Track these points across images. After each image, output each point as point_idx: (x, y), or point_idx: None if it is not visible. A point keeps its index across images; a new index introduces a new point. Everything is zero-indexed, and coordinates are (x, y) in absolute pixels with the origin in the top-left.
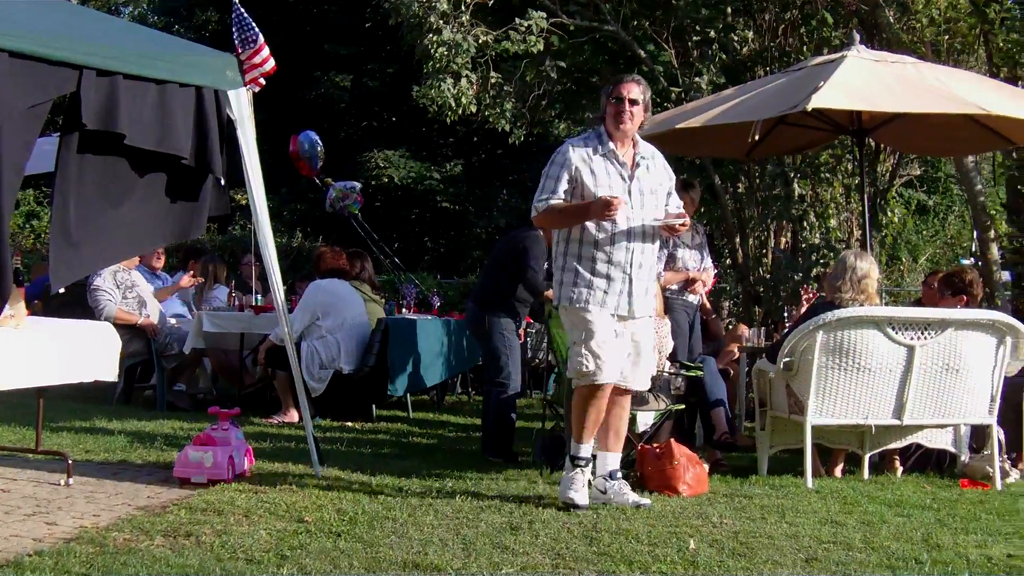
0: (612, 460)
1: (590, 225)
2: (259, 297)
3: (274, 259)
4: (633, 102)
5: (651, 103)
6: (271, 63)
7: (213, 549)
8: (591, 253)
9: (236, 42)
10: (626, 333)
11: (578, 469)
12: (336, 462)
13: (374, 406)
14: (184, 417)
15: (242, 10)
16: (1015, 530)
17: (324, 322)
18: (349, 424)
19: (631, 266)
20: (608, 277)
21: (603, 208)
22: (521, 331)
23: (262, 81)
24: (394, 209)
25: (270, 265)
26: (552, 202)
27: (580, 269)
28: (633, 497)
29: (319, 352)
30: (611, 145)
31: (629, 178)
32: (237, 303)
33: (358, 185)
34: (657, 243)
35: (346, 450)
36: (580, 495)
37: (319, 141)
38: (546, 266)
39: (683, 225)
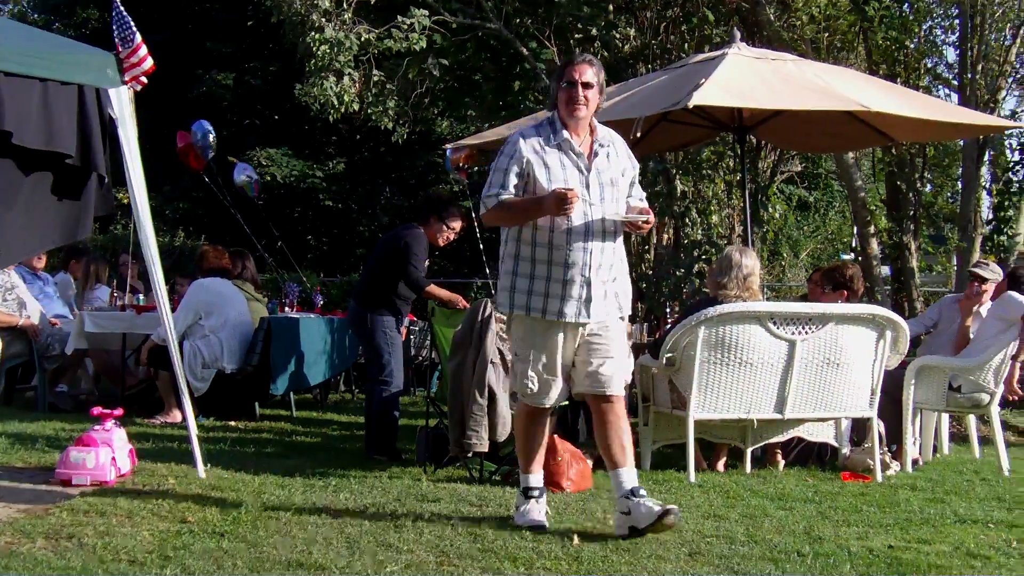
0: (627, 476)
1: (542, 223)
2: (141, 297)
3: (156, 258)
4: (587, 85)
5: (605, 84)
6: (149, 62)
7: (96, 551)
8: (545, 255)
9: (116, 40)
10: (590, 339)
11: (531, 500)
12: (220, 462)
13: (257, 405)
14: (66, 418)
15: (121, 8)
16: (895, 521)
17: (207, 321)
18: (232, 423)
19: (589, 268)
20: (564, 282)
21: (558, 202)
22: (403, 329)
23: (143, 79)
24: (277, 207)
25: (152, 264)
26: (503, 198)
27: (533, 274)
28: (657, 506)
29: (202, 351)
30: (565, 134)
31: (587, 169)
32: (119, 303)
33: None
34: (619, 240)
35: (230, 450)
36: (539, 515)
37: (212, 130)
38: (427, 263)
39: (647, 223)
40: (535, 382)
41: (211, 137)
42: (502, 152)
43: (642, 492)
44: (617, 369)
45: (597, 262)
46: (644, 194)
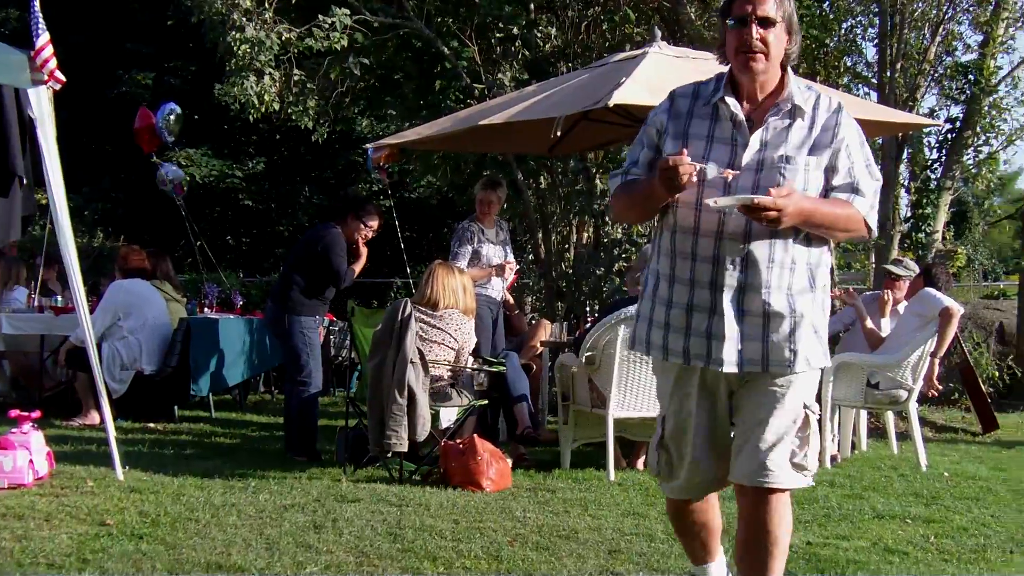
0: None
1: (669, 222)
2: (59, 298)
3: (74, 259)
4: (766, 22)
5: (797, 19)
6: (54, 61)
7: (14, 555)
8: (668, 268)
9: (35, 40)
10: (743, 399)
11: None
12: (138, 464)
13: (176, 407)
14: None
15: (36, 6)
16: (814, 518)
17: (125, 322)
18: (151, 425)
19: (720, 288)
20: (687, 308)
21: (663, 177)
22: (322, 329)
23: (62, 77)
24: (196, 207)
25: (70, 265)
26: (630, 178)
27: (656, 295)
28: None
29: (120, 353)
30: (722, 92)
31: (742, 144)
32: (37, 304)
33: (181, 174)
34: (796, 252)
35: (148, 451)
36: None
37: (177, 109)
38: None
39: (767, 207)
40: (659, 456)
41: (173, 117)
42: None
43: None
44: (782, 449)
45: (736, 281)
46: (869, 184)
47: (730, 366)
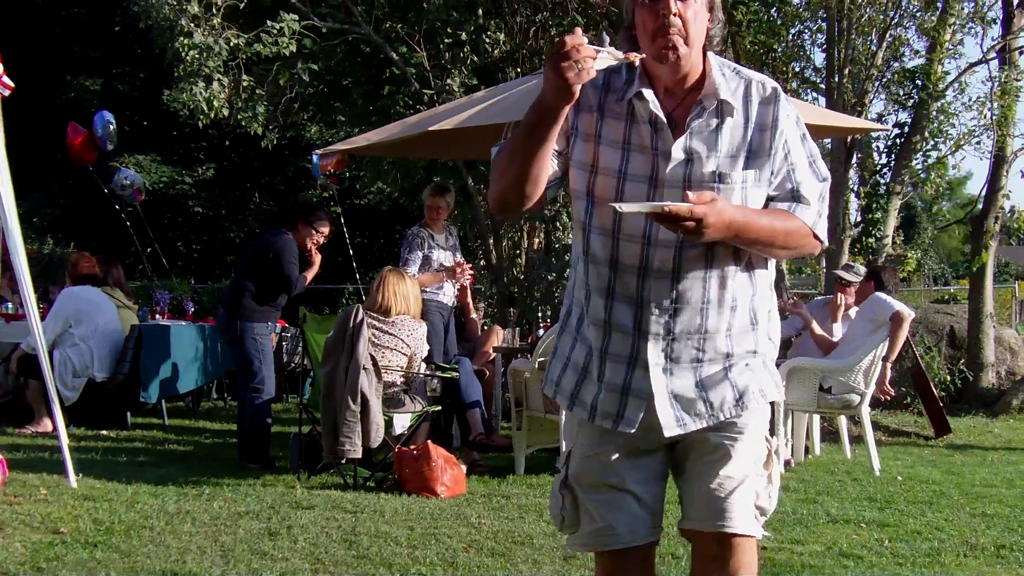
0: None
1: (577, 239)
2: (9, 305)
3: (25, 266)
4: None
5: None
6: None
7: None
8: (581, 303)
9: None
10: (686, 449)
11: None
12: (92, 471)
13: (129, 414)
14: None
15: None
16: (768, 522)
17: (77, 329)
18: (104, 432)
19: (646, 335)
20: (600, 354)
21: (556, 63)
22: (274, 335)
23: (11, 83)
24: (146, 214)
25: (21, 272)
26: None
27: (564, 329)
28: None
29: (72, 360)
30: (638, 84)
31: (664, 154)
32: None
33: (140, 178)
34: (741, 283)
35: (101, 459)
36: None
37: (112, 121)
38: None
39: (681, 216)
40: (562, 500)
41: (112, 127)
42: None
43: None
44: (745, 490)
45: (662, 326)
46: (816, 186)
47: (670, 429)
